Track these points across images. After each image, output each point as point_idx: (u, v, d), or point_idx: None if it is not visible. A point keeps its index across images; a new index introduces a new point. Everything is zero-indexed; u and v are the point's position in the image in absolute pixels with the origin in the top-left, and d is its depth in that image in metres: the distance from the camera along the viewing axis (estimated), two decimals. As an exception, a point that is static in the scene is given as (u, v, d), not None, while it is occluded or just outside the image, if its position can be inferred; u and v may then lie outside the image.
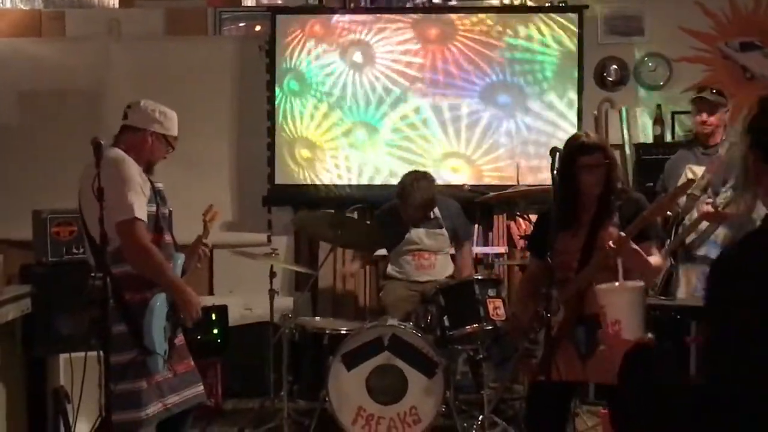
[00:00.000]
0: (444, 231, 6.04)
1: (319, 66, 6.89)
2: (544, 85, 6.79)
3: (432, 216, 6.04)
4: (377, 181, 6.86)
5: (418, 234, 6.02)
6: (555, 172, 3.89)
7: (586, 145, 4.07)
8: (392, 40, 6.85)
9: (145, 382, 4.07)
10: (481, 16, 6.83)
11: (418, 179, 5.96)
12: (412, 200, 5.90)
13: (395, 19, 6.86)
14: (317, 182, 6.90)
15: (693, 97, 5.74)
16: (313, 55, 6.87)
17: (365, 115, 6.88)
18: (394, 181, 6.21)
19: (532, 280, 4.37)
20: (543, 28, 6.78)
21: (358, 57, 6.86)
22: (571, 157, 3.99)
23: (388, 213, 6.16)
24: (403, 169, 6.39)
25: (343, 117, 6.89)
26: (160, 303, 4.09)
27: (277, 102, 6.87)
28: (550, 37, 6.78)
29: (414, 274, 6.02)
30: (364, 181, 6.89)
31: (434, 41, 6.84)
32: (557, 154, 3.92)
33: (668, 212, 4.14)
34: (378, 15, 6.90)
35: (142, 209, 4.07)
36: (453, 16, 6.85)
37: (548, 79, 6.79)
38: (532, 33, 6.79)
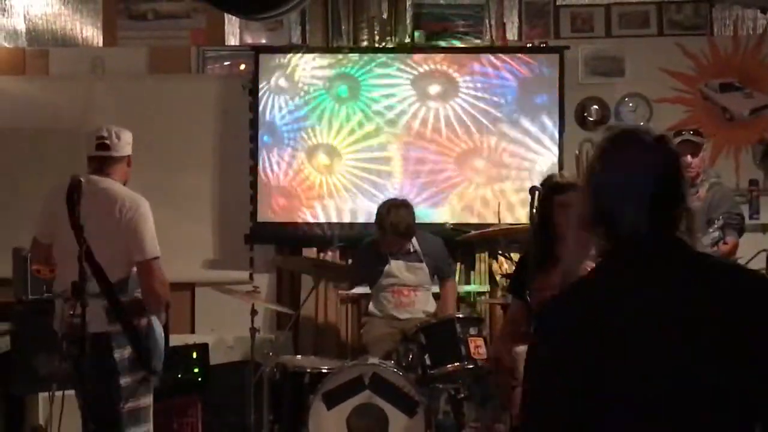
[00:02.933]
0: (423, 266, 6.05)
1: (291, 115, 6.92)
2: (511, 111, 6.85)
3: (411, 249, 6.05)
4: (359, 220, 6.85)
5: (397, 266, 6.02)
6: (533, 210, 3.93)
7: (560, 185, 4.14)
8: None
9: (149, 398, 4.33)
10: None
11: (395, 205, 6.00)
12: (389, 225, 5.91)
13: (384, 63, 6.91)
14: (299, 220, 6.89)
15: (676, 141, 5.76)
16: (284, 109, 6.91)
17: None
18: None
19: (512, 321, 4.40)
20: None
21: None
22: (547, 197, 4.05)
23: (368, 247, 6.19)
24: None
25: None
26: (161, 328, 4.36)
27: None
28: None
29: (394, 311, 6.02)
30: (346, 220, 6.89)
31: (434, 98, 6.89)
32: (536, 192, 3.97)
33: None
34: (361, 55, 6.94)
35: None
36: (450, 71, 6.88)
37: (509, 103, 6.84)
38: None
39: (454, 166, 6.86)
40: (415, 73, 6.88)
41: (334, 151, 6.87)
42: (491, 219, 6.67)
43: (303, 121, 6.88)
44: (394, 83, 6.88)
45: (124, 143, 4.44)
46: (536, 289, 4.01)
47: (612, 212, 1.94)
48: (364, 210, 6.79)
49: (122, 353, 4.18)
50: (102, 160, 4.38)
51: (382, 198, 6.41)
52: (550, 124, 6.80)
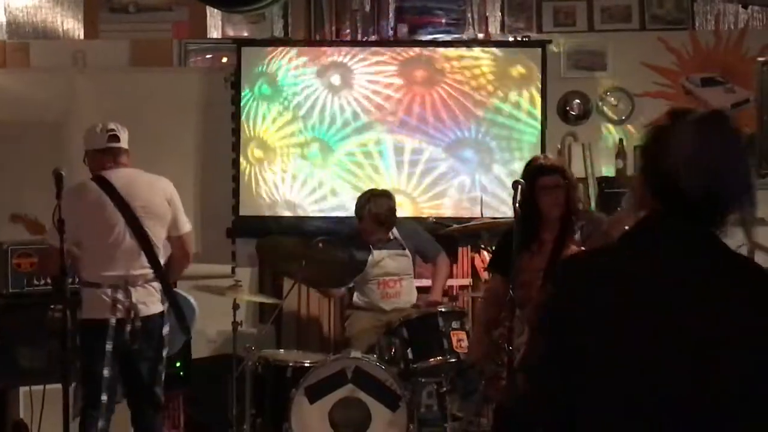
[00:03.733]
0: (407, 252, 6.05)
1: (294, 77, 6.88)
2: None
3: (392, 237, 6.05)
4: (341, 212, 6.81)
5: (381, 255, 6.01)
6: (517, 204, 3.93)
7: (544, 167, 4.17)
8: (371, 70, 6.86)
9: None
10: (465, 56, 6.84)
11: (375, 194, 6.03)
12: (369, 214, 5.91)
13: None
14: (281, 213, 6.88)
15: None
16: (291, 65, 6.87)
17: (324, 134, 6.86)
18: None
19: (493, 301, 4.38)
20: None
21: (335, 79, 6.85)
22: (530, 179, 4.06)
23: (350, 238, 6.16)
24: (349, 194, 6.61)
25: (303, 130, 6.87)
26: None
27: (243, 103, 6.85)
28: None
29: (379, 302, 6.02)
30: (318, 202, 6.89)
31: (419, 83, 6.82)
32: (519, 187, 3.96)
33: (627, 226, 4.21)
34: (346, 48, 6.92)
35: None
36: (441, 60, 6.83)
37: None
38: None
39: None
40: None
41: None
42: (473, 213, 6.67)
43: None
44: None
45: (126, 137, 4.84)
46: (519, 270, 4.00)
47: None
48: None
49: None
50: (117, 152, 4.77)
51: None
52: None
